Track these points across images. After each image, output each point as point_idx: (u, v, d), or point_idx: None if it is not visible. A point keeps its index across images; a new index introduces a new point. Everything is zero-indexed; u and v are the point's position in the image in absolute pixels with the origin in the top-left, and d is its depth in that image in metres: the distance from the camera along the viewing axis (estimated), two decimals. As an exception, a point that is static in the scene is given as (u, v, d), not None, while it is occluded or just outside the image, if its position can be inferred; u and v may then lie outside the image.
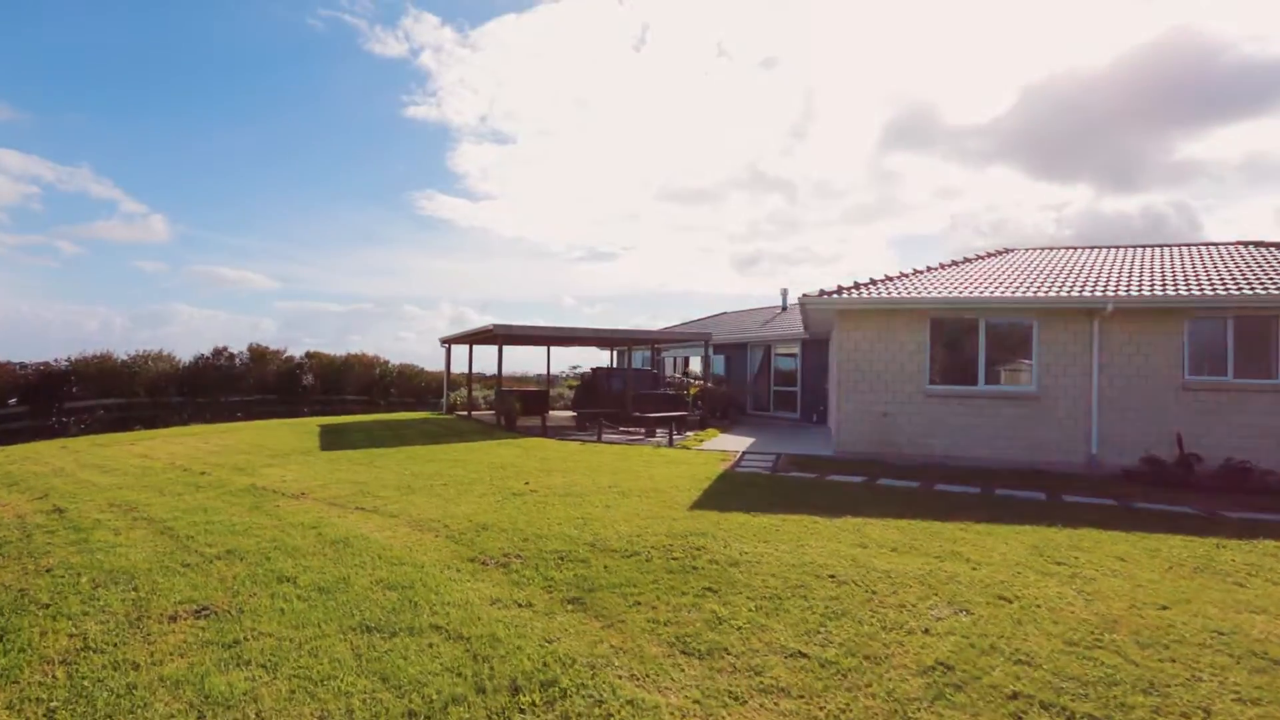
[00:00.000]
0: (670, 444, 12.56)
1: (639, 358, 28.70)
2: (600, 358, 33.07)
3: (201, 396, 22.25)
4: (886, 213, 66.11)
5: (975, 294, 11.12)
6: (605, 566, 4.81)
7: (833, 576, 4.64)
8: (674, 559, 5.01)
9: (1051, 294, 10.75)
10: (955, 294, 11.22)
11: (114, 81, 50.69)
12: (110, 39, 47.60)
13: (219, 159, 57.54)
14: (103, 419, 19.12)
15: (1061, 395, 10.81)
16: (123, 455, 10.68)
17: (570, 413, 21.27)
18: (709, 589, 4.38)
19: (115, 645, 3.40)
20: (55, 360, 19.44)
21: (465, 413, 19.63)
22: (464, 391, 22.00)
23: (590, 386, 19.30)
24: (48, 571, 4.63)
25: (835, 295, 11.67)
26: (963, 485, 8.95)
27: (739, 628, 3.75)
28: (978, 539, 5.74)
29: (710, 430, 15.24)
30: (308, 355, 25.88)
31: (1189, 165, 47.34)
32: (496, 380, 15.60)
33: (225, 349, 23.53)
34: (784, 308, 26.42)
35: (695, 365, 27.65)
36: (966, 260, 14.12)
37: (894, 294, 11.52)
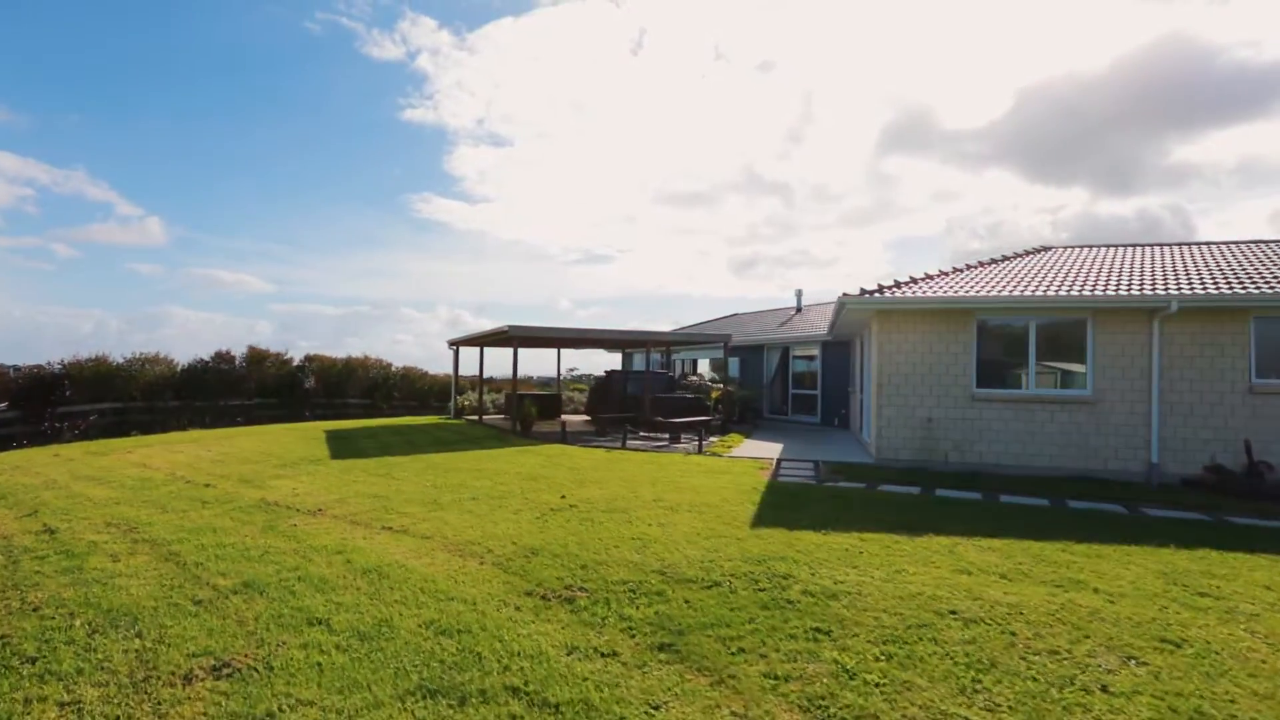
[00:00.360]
0: (700, 451, 11.90)
1: (644, 360, 28.03)
2: (599, 360, 32.32)
3: (200, 400, 21.49)
4: (883, 216, 65.83)
5: (1025, 292, 10.51)
6: (686, 601, 4.14)
7: (953, 613, 3.99)
8: (761, 590, 4.35)
9: (1109, 292, 10.14)
10: (1003, 292, 10.60)
11: (110, 84, 49.89)
12: (107, 41, 46.82)
13: (216, 162, 56.73)
14: (97, 424, 18.35)
15: (1118, 399, 10.20)
16: (119, 465, 9.96)
17: (582, 417, 20.59)
18: (818, 629, 3.73)
19: None
20: (48, 363, 18.67)
21: (475, 417, 18.93)
22: (472, 395, 21.30)
23: (604, 390, 18.62)
24: (35, 611, 3.94)
25: (876, 294, 11.04)
26: (1028, 496, 8.32)
27: (877, 684, 3.09)
28: (1090, 563, 5.10)
29: (734, 435, 14.60)
30: (308, 358, 25.12)
31: (1184, 168, 47.24)
32: (512, 383, 14.94)
33: (226, 352, 22.78)
34: (799, 309, 25.81)
35: (703, 367, 27.03)
36: (1005, 259, 13.52)
37: (937, 293, 10.90)
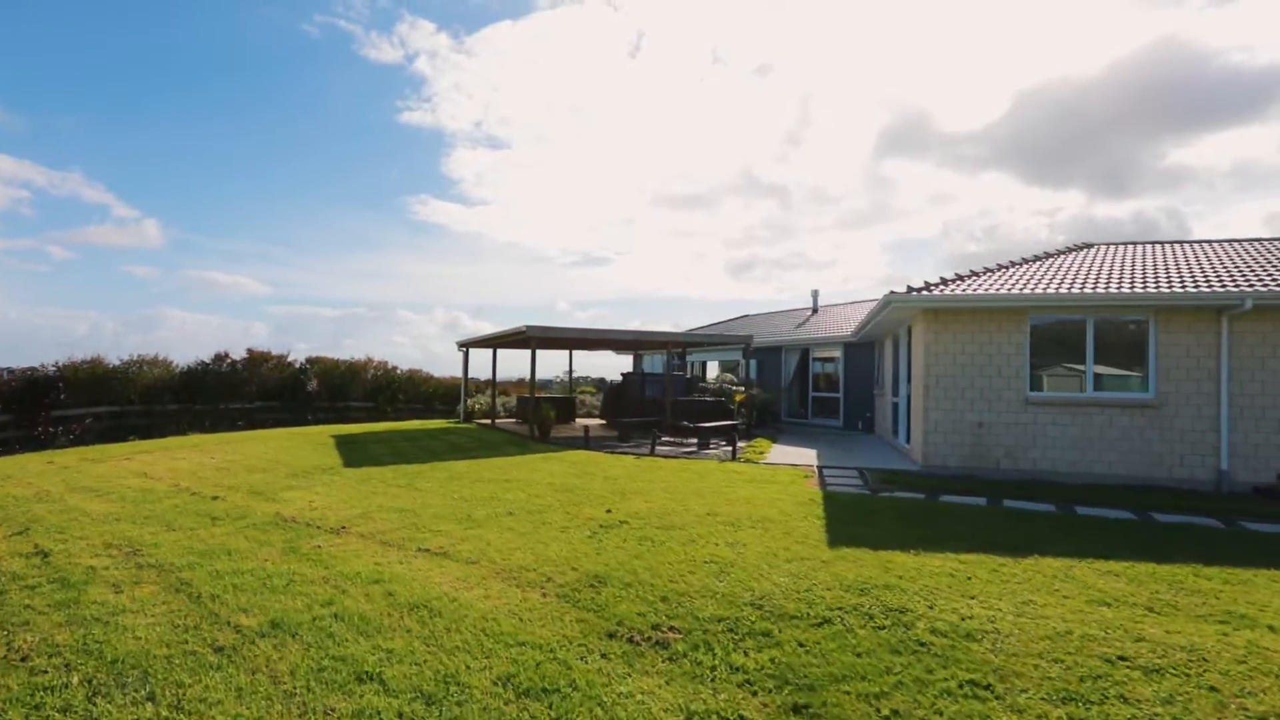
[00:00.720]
0: (734, 457, 11.25)
1: (651, 362, 27.37)
2: (596, 363, 31.69)
3: (199, 404, 20.79)
4: (880, 219, 65.32)
5: (1084, 289, 9.91)
6: (800, 644, 3.49)
7: (1124, 659, 3.35)
8: (880, 628, 3.70)
9: (1176, 289, 9.54)
10: (1059, 289, 10.00)
11: (107, 85, 48.97)
12: (104, 42, 45.93)
13: (213, 164, 55.83)
14: (93, 429, 17.63)
15: (1183, 403, 9.59)
16: (118, 473, 9.26)
17: (595, 421, 19.94)
18: (974, 683, 3.08)
19: (130, 834, 2.05)
20: (42, 365, 17.94)
21: (487, 421, 18.25)
22: (482, 398, 20.62)
23: (621, 393, 17.97)
24: (23, 661, 3.27)
25: (924, 292, 10.42)
26: (1106, 508, 7.69)
27: (1091, 768, 2.45)
28: (1239, 592, 4.47)
29: (760, 440, 13.96)
30: (310, 360, 24.42)
31: (1179, 171, 47.04)
32: (530, 387, 14.30)
33: (226, 354, 22.07)
34: (815, 309, 25.19)
35: (713, 370, 26.38)
36: (1049, 255, 12.92)
37: (988, 290, 10.29)
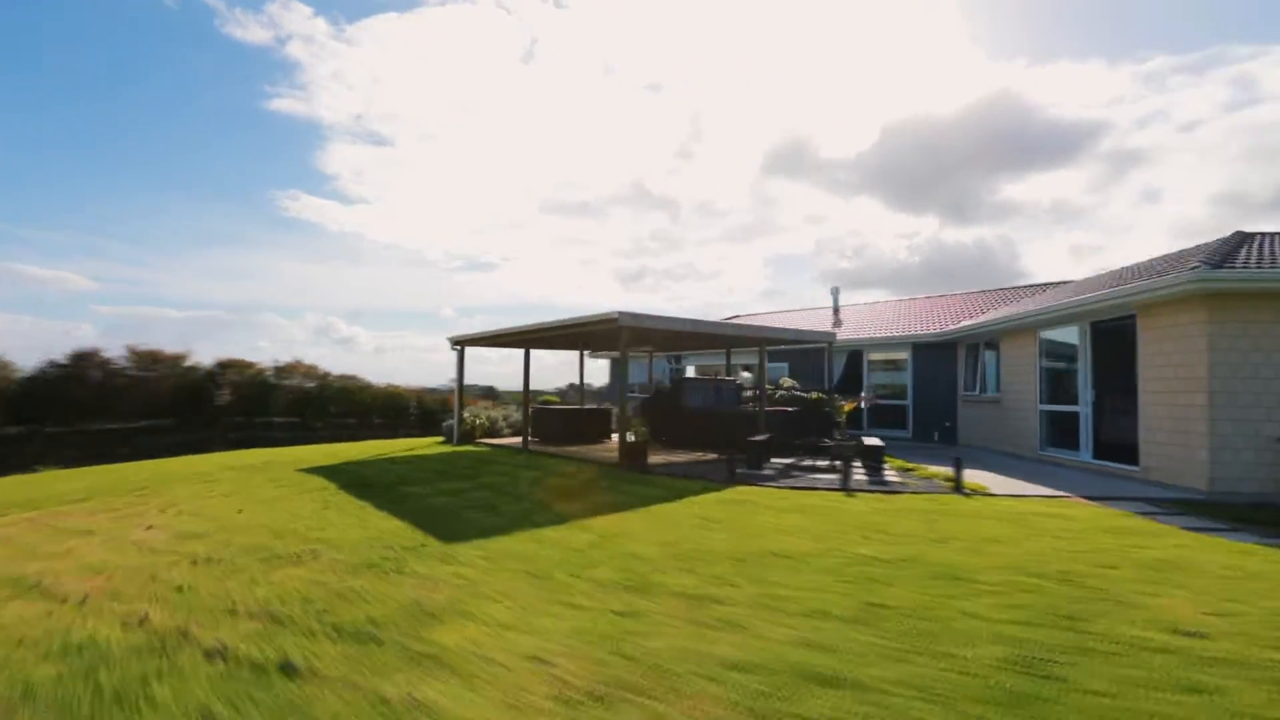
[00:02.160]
0: (960, 489, 8.14)
1: (662, 367, 23.86)
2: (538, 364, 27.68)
3: (53, 424, 14.47)
4: (761, 233, 67.84)
5: None
6: None
7: None
8: None
9: None
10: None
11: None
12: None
13: (36, 143, 44.58)
14: None
15: None
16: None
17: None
18: None
19: None
20: None
21: (515, 440, 13.87)
22: (483, 412, 16.08)
23: (669, 403, 14.22)
24: None
25: (1221, 270, 7.94)
26: None
27: None
28: None
29: (898, 461, 11.00)
30: (222, 364, 18.36)
31: (1010, 205, 54.45)
32: (621, 395, 10.38)
33: (95, 353, 15.69)
34: (837, 309, 22.85)
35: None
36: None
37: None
